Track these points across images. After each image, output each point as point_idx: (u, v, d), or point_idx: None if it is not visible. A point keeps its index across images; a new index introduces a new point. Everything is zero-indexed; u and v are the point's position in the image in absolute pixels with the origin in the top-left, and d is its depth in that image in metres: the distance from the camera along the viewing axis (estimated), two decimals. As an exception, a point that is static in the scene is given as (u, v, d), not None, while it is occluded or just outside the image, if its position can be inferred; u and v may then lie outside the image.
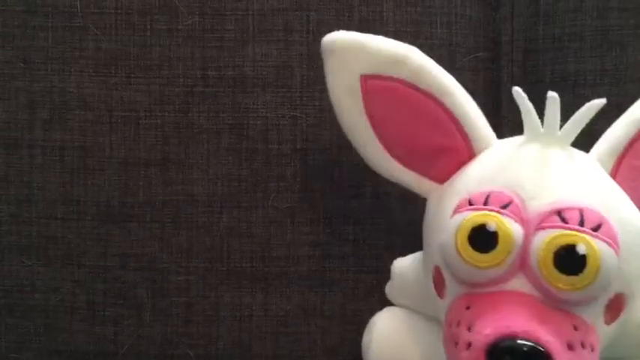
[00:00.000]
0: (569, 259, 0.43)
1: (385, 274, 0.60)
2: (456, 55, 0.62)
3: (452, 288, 0.47)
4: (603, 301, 0.45)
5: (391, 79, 0.50)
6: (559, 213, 0.44)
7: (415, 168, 0.52)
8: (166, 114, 0.60)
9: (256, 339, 0.61)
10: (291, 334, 0.61)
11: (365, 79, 0.51)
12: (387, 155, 0.52)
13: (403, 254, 0.58)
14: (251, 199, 0.61)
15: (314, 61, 0.60)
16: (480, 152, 0.51)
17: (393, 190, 0.59)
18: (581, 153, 0.49)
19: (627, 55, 0.61)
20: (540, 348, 0.42)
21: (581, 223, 0.43)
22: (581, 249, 0.42)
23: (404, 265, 0.56)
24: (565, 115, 0.55)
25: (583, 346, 0.43)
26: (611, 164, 0.48)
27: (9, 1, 0.60)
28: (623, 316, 0.47)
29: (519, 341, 0.42)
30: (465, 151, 0.51)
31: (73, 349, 0.61)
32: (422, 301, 0.53)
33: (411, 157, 0.52)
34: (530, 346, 0.42)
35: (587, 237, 0.43)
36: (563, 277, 0.43)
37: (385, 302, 0.60)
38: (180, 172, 0.60)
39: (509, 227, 0.44)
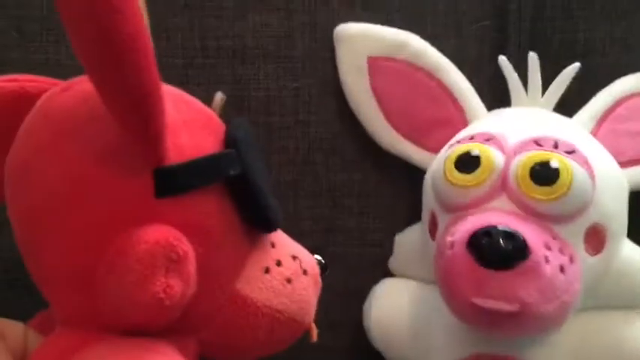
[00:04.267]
0: (543, 172, 0.48)
1: (389, 248, 0.61)
2: (462, 24, 0.62)
3: (442, 222, 0.51)
4: (582, 226, 0.49)
5: (394, 60, 0.58)
6: (536, 141, 0.50)
7: (415, 139, 0.57)
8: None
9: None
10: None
11: (371, 60, 0.58)
12: (390, 128, 0.58)
13: (410, 225, 0.59)
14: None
15: (316, 31, 0.59)
16: (472, 122, 0.57)
17: (395, 162, 0.59)
18: (562, 116, 0.55)
19: (637, 23, 0.60)
20: (517, 233, 0.45)
21: (556, 147, 0.49)
22: (555, 163, 0.48)
23: (404, 235, 0.60)
24: (573, 84, 0.56)
25: (561, 252, 0.47)
26: (591, 126, 0.55)
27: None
28: (607, 252, 0.50)
29: (498, 227, 0.46)
30: (459, 122, 0.57)
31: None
32: (420, 265, 0.57)
33: (411, 130, 0.58)
34: (507, 230, 0.46)
35: (561, 156, 0.48)
36: (539, 187, 0.48)
37: (389, 276, 0.61)
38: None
39: (491, 151, 0.50)
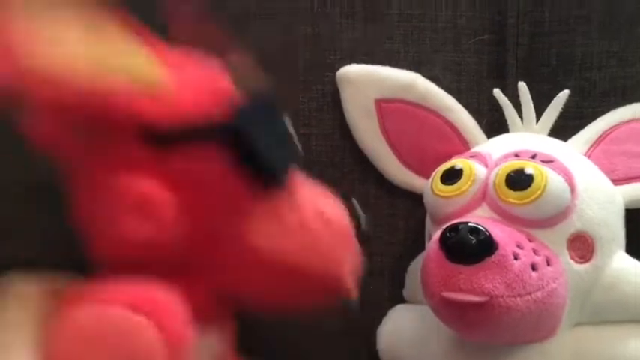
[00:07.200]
0: (518, 178, 0.50)
1: (387, 258, 0.61)
2: (461, 38, 0.62)
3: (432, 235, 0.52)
4: (564, 232, 0.50)
5: (402, 101, 0.59)
6: (516, 154, 0.52)
7: (425, 175, 0.57)
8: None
9: (263, 322, 0.60)
10: (297, 317, 0.61)
11: (379, 102, 0.59)
12: (401, 166, 0.60)
13: (407, 237, 0.60)
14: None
15: (317, 43, 0.60)
16: None
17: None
18: (557, 140, 0.56)
19: (635, 38, 0.60)
20: (483, 228, 0.46)
21: (533, 157, 0.51)
22: (529, 170, 0.50)
23: (415, 263, 0.59)
24: (571, 99, 0.57)
25: (535, 252, 0.48)
26: (585, 149, 0.56)
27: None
28: (596, 261, 0.51)
29: (468, 224, 0.47)
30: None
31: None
32: None
33: (421, 166, 0.59)
34: (473, 226, 0.47)
35: (535, 164, 0.50)
36: (513, 192, 0.49)
37: (389, 285, 0.61)
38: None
39: (473, 164, 0.52)
